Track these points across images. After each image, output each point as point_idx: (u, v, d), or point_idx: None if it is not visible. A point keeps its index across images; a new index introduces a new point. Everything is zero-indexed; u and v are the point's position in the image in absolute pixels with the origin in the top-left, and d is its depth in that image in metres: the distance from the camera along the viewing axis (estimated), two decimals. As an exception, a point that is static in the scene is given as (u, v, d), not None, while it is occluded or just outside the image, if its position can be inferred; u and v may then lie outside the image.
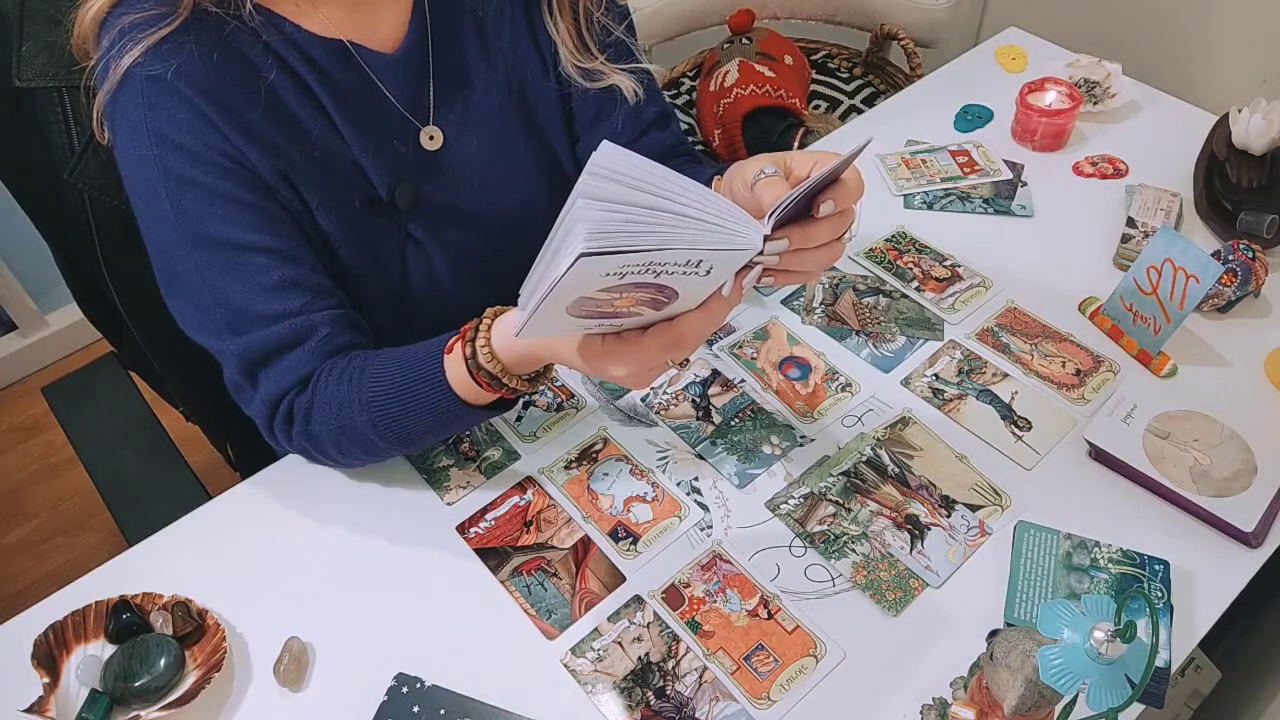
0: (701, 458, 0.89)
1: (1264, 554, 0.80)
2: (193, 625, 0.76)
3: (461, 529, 0.84)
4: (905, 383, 0.94)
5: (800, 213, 0.63)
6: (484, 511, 0.85)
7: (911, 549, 0.81)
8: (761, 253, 0.58)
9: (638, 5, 1.60)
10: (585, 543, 0.83)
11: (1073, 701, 0.62)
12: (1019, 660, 0.61)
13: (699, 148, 1.68)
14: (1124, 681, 0.56)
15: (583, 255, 0.47)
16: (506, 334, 0.70)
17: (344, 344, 0.80)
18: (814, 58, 1.82)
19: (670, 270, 0.53)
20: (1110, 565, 0.79)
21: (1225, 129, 1.10)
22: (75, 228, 0.91)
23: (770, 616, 0.77)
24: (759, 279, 0.63)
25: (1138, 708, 0.71)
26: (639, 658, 0.75)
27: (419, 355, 0.76)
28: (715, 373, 0.95)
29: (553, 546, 0.82)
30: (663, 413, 0.92)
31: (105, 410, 1.04)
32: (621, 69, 0.90)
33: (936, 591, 0.79)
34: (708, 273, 0.55)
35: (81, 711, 0.71)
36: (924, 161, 1.18)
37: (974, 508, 0.84)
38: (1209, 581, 0.78)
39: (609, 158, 0.49)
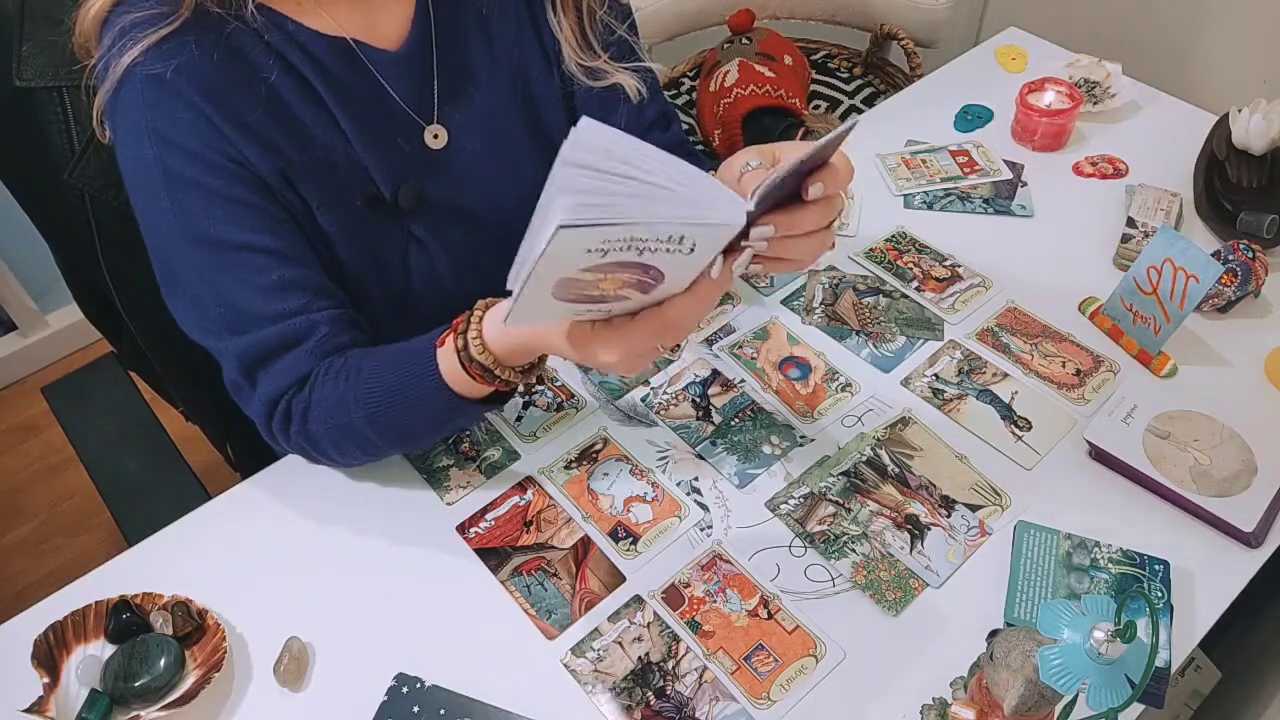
0: (701, 458, 0.89)
1: (1264, 554, 0.80)
2: (193, 625, 0.76)
3: (461, 529, 0.84)
4: (905, 383, 0.94)
5: (790, 198, 0.63)
6: (484, 511, 0.85)
7: (911, 549, 0.81)
8: (747, 234, 0.58)
9: (638, 5, 1.60)
10: (585, 543, 0.83)
11: (1073, 701, 0.62)
12: (1019, 660, 0.61)
13: (699, 148, 1.68)
14: (1124, 681, 0.56)
15: (561, 227, 0.47)
16: (497, 324, 0.70)
17: (343, 344, 0.80)
18: (814, 58, 1.82)
19: (654, 248, 0.52)
20: (1110, 565, 0.79)
21: (1225, 129, 1.10)
22: (75, 228, 0.91)
23: (770, 616, 0.77)
24: (748, 265, 0.63)
25: (1138, 708, 0.71)
26: (639, 658, 0.75)
27: (412, 351, 0.76)
28: (715, 373, 0.95)
29: (553, 546, 0.82)
30: (663, 413, 0.92)
31: (105, 410, 1.04)
32: (624, 68, 0.90)
33: (936, 591, 0.79)
34: (692, 250, 0.55)
35: (81, 711, 0.71)
36: (924, 161, 1.18)
37: (974, 508, 0.84)
38: (1209, 581, 0.78)
39: (589, 134, 0.49)
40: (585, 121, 0.49)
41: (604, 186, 0.49)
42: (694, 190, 0.53)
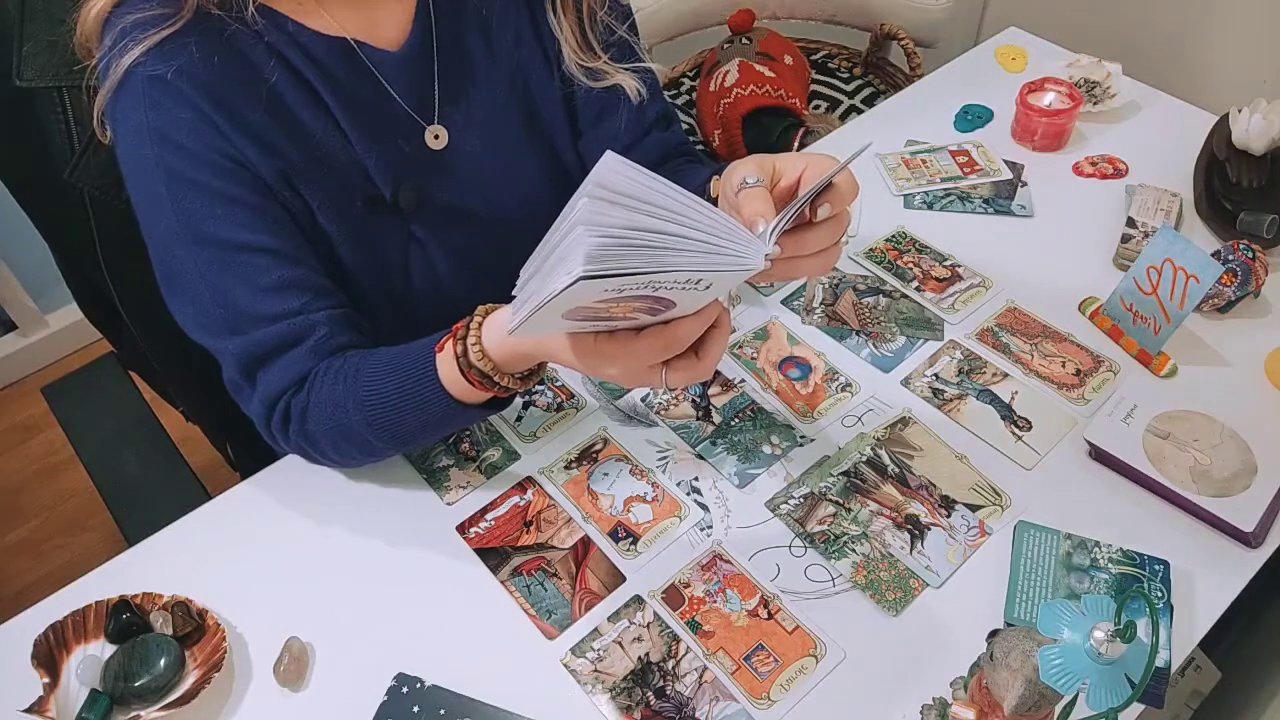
0: (701, 458, 0.89)
1: (1264, 554, 0.80)
2: (193, 625, 0.76)
3: (461, 529, 0.84)
4: (905, 383, 0.94)
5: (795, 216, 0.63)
6: (484, 511, 0.85)
7: (911, 549, 0.81)
8: None
9: (638, 5, 1.60)
10: (585, 543, 0.83)
11: (1073, 701, 0.62)
12: (1019, 660, 0.61)
13: (699, 148, 1.68)
14: (1124, 681, 0.56)
15: (582, 279, 0.47)
16: (498, 332, 0.70)
17: (342, 344, 0.80)
18: (814, 58, 1.83)
19: (669, 286, 0.52)
20: (1110, 565, 0.79)
21: (1225, 129, 1.10)
22: (75, 228, 0.92)
23: (770, 616, 0.77)
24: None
25: (1138, 708, 0.71)
26: (639, 658, 0.75)
27: (411, 354, 0.76)
28: (715, 373, 0.95)
29: (553, 546, 0.82)
30: (663, 413, 0.92)
31: (105, 410, 1.04)
32: (624, 68, 0.90)
33: (936, 591, 0.79)
34: (707, 288, 0.55)
35: (81, 711, 0.71)
36: (924, 161, 1.18)
37: (974, 508, 0.84)
38: (1209, 581, 0.78)
39: (610, 173, 0.49)
40: (609, 157, 0.49)
41: (625, 234, 0.48)
42: (714, 236, 0.52)
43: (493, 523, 0.84)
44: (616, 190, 0.49)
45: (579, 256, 0.47)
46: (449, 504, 0.86)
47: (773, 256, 0.61)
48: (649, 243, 0.49)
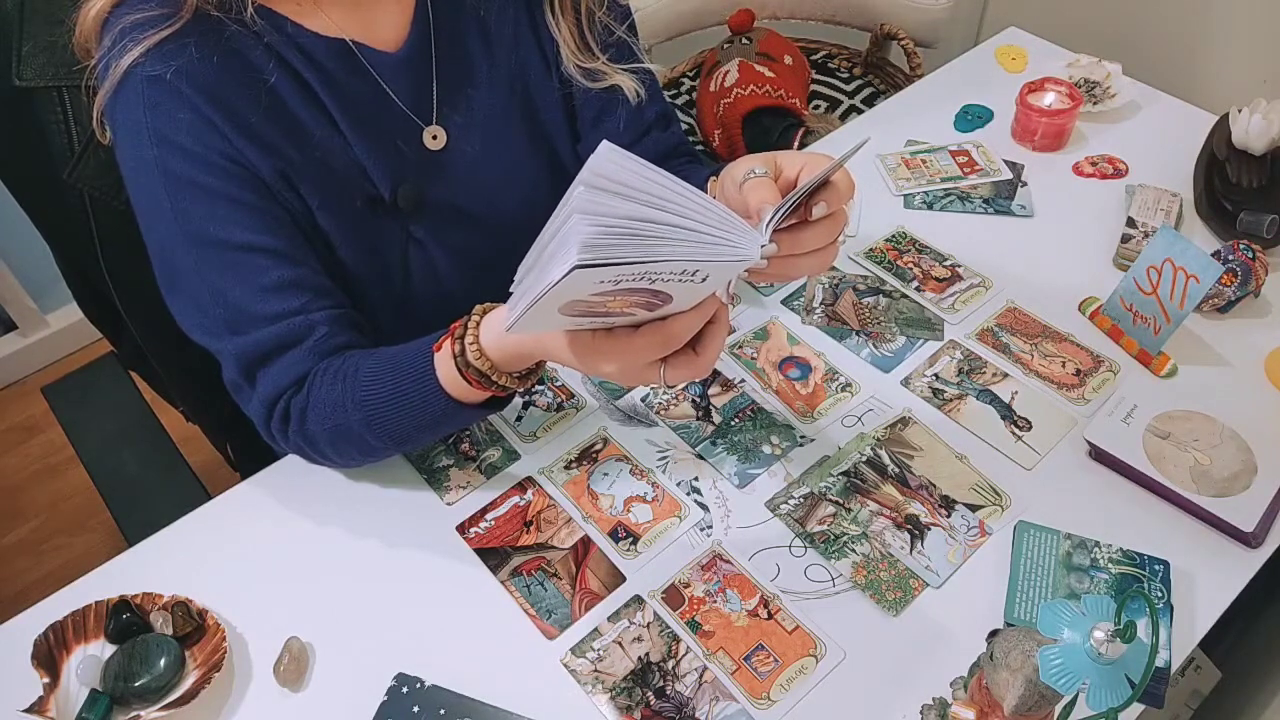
0: (701, 458, 0.89)
1: (1264, 554, 0.80)
2: (193, 625, 0.76)
3: (461, 529, 0.84)
4: (905, 383, 0.94)
5: (792, 213, 0.63)
6: (484, 511, 0.85)
7: (911, 549, 0.81)
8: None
9: (638, 5, 1.60)
10: (585, 543, 0.83)
11: (1073, 701, 0.62)
12: (1019, 660, 0.61)
13: (699, 148, 1.68)
14: (1124, 681, 0.56)
15: (577, 267, 0.47)
16: (495, 331, 0.70)
17: (342, 344, 0.80)
18: (814, 58, 1.83)
19: (666, 278, 0.53)
20: (1110, 565, 0.79)
21: (1225, 129, 1.10)
22: (75, 228, 0.92)
23: (770, 616, 0.77)
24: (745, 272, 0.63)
25: (1138, 708, 0.71)
26: (639, 658, 0.75)
27: (409, 354, 0.76)
28: (715, 373, 0.95)
29: (553, 546, 0.82)
30: (663, 413, 0.92)
31: (105, 410, 1.04)
32: (623, 69, 0.90)
33: (936, 591, 0.79)
34: (703, 280, 0.55)
35: (81, 711, 0.71)
36: (924, 161, 1.18)
37: (974, 508, 0.84)
38: (1209, 581, 0.78)
39: (606, 162, 0.49)
40: (605, 147, 0.49)
41: (621, 224, 0.48)
42: (710, 226, 0.52)
43: (493, 523, 0.84)
44: (613, 179, 0.49)
45: (575, 245, 0.47)
46: (449, 504, 0.86)
47: (769, 254, 0.61)
48: (645, 232, 0.49)
